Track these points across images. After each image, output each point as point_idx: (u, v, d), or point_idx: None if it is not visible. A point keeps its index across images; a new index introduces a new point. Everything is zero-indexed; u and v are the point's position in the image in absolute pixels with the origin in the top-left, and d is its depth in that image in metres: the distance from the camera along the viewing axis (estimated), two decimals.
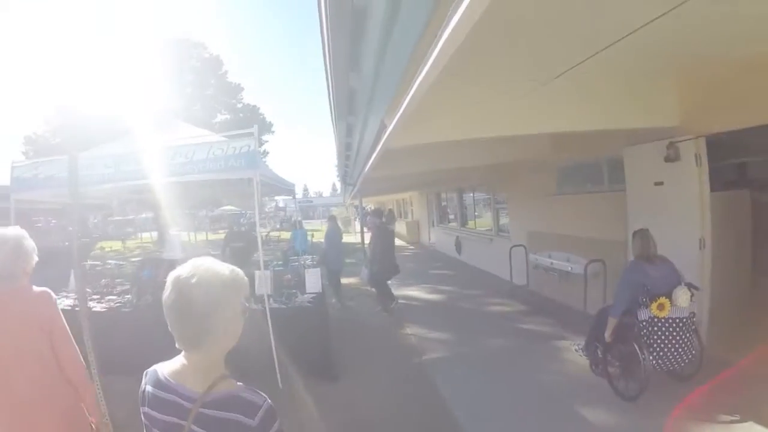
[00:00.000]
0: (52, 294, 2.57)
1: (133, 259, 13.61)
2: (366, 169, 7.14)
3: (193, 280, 1.38)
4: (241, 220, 20.61)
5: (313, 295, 6.42)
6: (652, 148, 6.13)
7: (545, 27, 3.67)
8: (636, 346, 4.71)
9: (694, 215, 5.75)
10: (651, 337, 4.63)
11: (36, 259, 2.59)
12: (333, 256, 10.33)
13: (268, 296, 5.73)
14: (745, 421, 4.17)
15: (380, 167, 7.26)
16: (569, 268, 8.23)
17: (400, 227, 28.51)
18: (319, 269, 7.15)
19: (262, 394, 1.44)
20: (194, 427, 1.37)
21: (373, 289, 10.21)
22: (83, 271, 7.48)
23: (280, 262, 9.52)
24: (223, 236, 11.99)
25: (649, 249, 4.87)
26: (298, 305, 6.13)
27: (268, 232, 28.74)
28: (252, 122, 5.75)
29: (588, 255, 7.65)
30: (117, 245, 25.09)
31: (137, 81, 32.38)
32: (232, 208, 35.40)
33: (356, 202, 16.71)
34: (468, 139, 6.02)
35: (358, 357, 6.82)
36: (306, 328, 5.86)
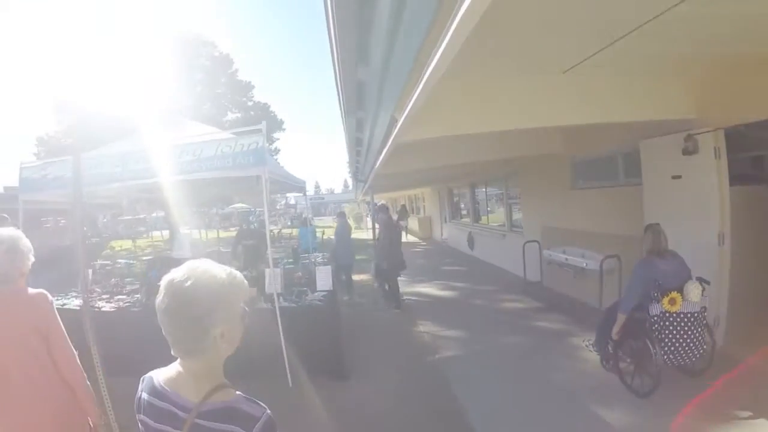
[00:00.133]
0: (49, 296, 2.55)
1: (144, 258, 13.67)
2: (377, 164, 7.05)
3: (188, 284, 1.31)
4: (251, 217, 20.64)
5: (324, 293, 6.35)
6: (669, 140, 6.00)
7: (561, 16, 3.58)
8: (648, 341, 4.69)
9: (713, 210, 5.62)
10: (662, 332, 4.60)
11: (32, 259, 2.57)
12: (343, 252, 10.43)
13: (278, 295, 5.66)
14: (757, 418, 4.12)
15: (391, 163, 7.17)
16: (584, 264, 8.09)
17: (412, 223, 28.51)
18: (330, 267, 7.08)
19: (262, 404, 1.37)
20: None
21: (377, 285, 10.18)
22: (92, 270, 7.49)
23: (290, 260, 9.48)
24: (234, 234, 11.98)
25: (660, 244, 4.83)
26: (308, 304, 6.05)
27: (280, 230, 28.81)
28: (263, 120, 5.67)
29: (603, 251, 7.51)
30: (127, 244, 25.20)
31: (147, 80, 32.47)
32: (244, 205, 35.44)
33: (368, 199, 16.63)
34: (480, 133, 5.91)
35: (370, 355, 6.75)
36: (317, 326, 5.79)
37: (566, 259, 8.76)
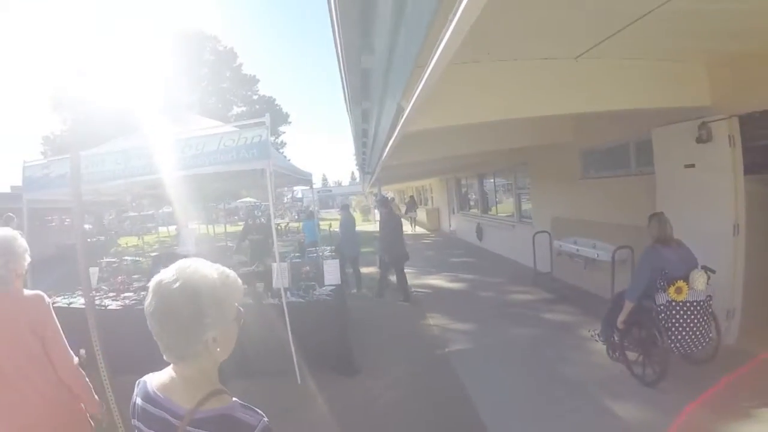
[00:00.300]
0: (46, 297, 2.51)
1: (153, 254, 13.68)
2: (384, 156, 6.95)
3: (176, 285, 1.24)
4: (256, 212, 20.61)
5: (332, 287, 6.28)
6: (682, 128, 5.85)
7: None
8: (655, 330, 4.72)
9: (727, 199, 5.49)
10: (669, 320, 4.63)
11: (29, 260, 2.54)
12: (348, 245, 10.52)
13: (286, 290, 5.59)
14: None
15: (398, 154, 7.07)
16: (595, 255, 7.97)
17: (420, 214, 28.50)
18: (337, 261, 7.02)
19: (259, 412, 1.29)
20: None
21: (379, 277, 10.16)
22: (99, 268, 7.46)
23: (297, 254, 9.43)
24: (241, 228, 11.98)
25: (666, 232, 4.84)
26: (316, 298, 5.97)
27: (287, 223, 28.83)
28: (269, 114, 5.59)
29: (615, 241, 7.37)
30: (134, 241, 25.29)
31: (152, 76, 32.53)
32: (251, 199, 35.49)
33: (375, 191, 16.57)
34: (489, 122, 5.83)
35: (379, 349, 6.70)
36: (325, 321, 5.74)
37: (577, 249, 8.64)
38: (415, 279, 11.56)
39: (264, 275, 6.38)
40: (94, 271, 6.82)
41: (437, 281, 11.67)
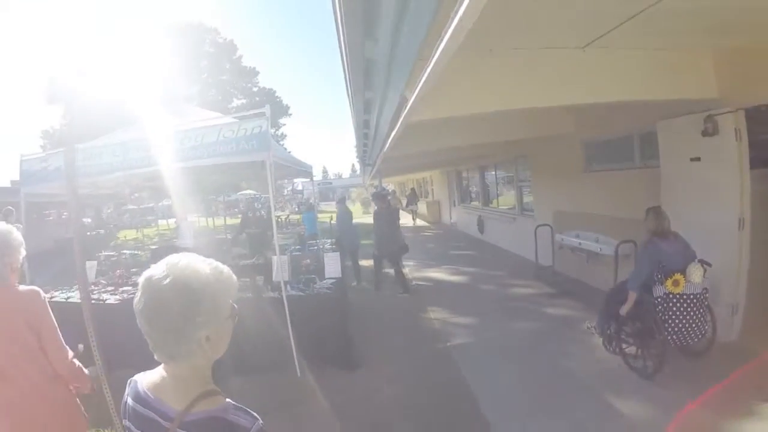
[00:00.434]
0: (41, 292, 2.50)
1: (153, 247, 13.64)
2: (385, 147, 6.88)
3: (166, 282, 1.19)
4: (256, 204, 20.61)
5: (333, 280, 6.22)
6: (688, 121, 5.78)
7: None
8: (652, 322, 4.80)
9: (733, 193, 5.42)
10: (666, 313, 4.73)
11: (24, 253, 2.53)
12: (346, 238, 10.53)
13: (286, 283, 5.54)
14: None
15: (400, 145, 7.00)
16: (598, 249, 7.92)
17: (420, 207, 28.48)
18: (338, 254, 6.97)
19: (253, 414, 1.23)
20: None
21: (375, 270, 10.14)
22: (97, 262, 7.41)
23: (297, 246, 9.38)
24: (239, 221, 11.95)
25: (663, 225, 4.91)
26: (316, 292, 5.93)
27: (287, 216, 28.79)
28: (269, 105, 5.53)
29: (617, 235, 7.31)
30: (134, 235, 25.25)
31: (151, 68, 32.38)
32: (251, 191, 35.43)
33: (375, 183, 16.52)
34: (491, 113, 5.77)
35: (380, 343, 6.67)
36: (325, 315, 5.69)
37: (579, 243, 8.58)
38: (415, 272, 11.54)
39: (264, 268, 6.32)
40: (92, 265, 6.76)
41: (438, 274, 11.63)
